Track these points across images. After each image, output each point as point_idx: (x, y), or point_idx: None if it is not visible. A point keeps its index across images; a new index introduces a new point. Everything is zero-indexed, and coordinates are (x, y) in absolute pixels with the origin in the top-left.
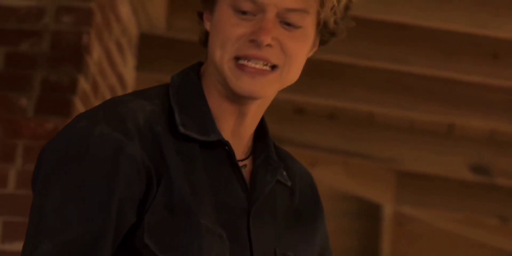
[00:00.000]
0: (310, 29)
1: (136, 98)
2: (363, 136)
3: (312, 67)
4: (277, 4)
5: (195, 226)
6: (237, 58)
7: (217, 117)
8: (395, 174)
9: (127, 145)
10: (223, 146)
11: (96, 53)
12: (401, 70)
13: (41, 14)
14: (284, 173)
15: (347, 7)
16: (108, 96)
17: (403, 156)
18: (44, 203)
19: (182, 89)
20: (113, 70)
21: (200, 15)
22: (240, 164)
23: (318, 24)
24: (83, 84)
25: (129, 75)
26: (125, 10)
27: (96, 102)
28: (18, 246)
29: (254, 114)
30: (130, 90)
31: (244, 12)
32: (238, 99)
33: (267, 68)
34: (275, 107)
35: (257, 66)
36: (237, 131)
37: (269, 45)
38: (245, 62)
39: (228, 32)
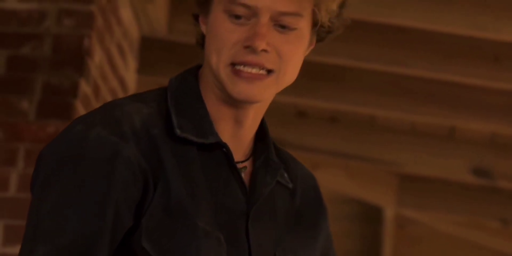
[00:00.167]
0: (305, 29)
1: (133, 101)
2: (364, 139)
3: (313, 70)
4: (270, 8)
5: (193, 229)
6: (233, 64)
7: (216, 120)
8: (396, 177)
9: (123, 148)
10: (221, 148)
11: (97, 56)
12: (402, 73)
13: (42, 17)
14: (285, 175)
15: (342, 5)
16: (109, 99)
17: (404, 159)
18: (41, 206)
19: (179, 92)
20: (114, 73)
21: (196, 18)
22: (240, 166)
23: (313, 23)
24: (84, 88)
25: (130, 78)
26: (126, 13)
27: (97, 106)
28: (19, 249)
29: (254, 117)
30: (131, 93)
31: (238, 17)
32: (236, 103)
33: (263, 72)
34: (277, 110)
35: (253, 71)
36: (237, 134)
37: (264, 50)
38: (241, 68)
39: (223, 39)
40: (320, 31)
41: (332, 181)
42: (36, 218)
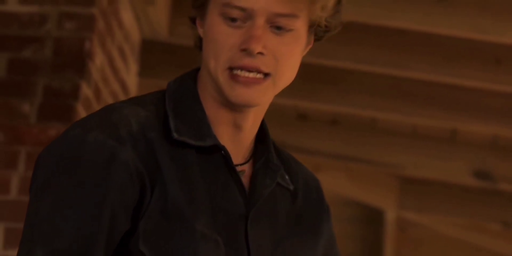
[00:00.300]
0: (302, 30)
1: (131, 104)
2: (366, 141)
3: (314, 73)
4: (266, 10)
5: (190, 232)
6: (231, 68)
7: (214, 123)
8: (397, 180)
9: (120, 151)
10: (220, 151)
11: (98, 59)
12: (403, 76)
13: (43, 20)
14: (287, 177)
15: (337, 3)
16: (110, 102)
17: (405, 161)
18: (38, 209)
19: (178, 94)
20: (116, 76)
21: (193, 21)
22: (239, 168)
23: (310, 23)
24: (86, 90)
25: (131, 81)
26: (127, 16)
27: (98, 108)
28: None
29: (253, 120)
30: (132, 96)
31: (233, 19)
32: (234, 107)
33: (260, 76)
34: (278, 112)
35: (250, 75)
36: (236, 137)
37: (260, 53)
38: (239, 72)
39: (219, 42)
40: (317, 31)
41: (333, 184)
42: (34, 220)
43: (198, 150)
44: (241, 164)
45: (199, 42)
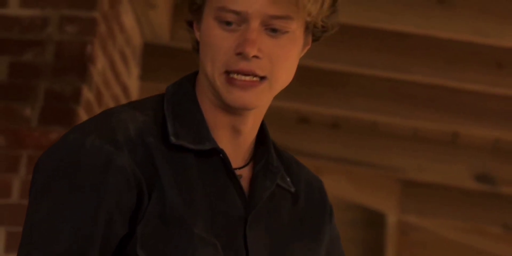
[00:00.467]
0: (298, 31)
1: (129, 109)
2: (367, 145)
3: (314, 77)
4: (260, 12)
5: (188, 236)
6: (227, 72)
7: (213, 126)
8: (399, 183)
9: (117, 156)
10: (218, 154)
11: (100, 63)
12: (404, 79)
13: (44, 24)
14: (288, 179)
15: (333, 3)
16: (111, 106)
17: (406, 164)
18: (35, 215)
19: (176, 98)
20: (117, 79)
21: (190, 24)
22: (239, 172)
23: (306, 24)
24: (87, 94)
25: (133, 84)
26: (128, 20)
27: (99, 112)
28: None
29: (252, 123)
30: (134, 99)
31: (228, 23)
32: (233, 110)
33: (256, 79)
34: (279, 116)
35: (247, 78)
36: (235, 141)
37: (255, 57)
38: (235, 76)
39: (215, 47)
40: (314, 31)
41: (334, 187)
42: (30, 226)
43: (197, 153)
44: (241, 167)
45: (196, 46)
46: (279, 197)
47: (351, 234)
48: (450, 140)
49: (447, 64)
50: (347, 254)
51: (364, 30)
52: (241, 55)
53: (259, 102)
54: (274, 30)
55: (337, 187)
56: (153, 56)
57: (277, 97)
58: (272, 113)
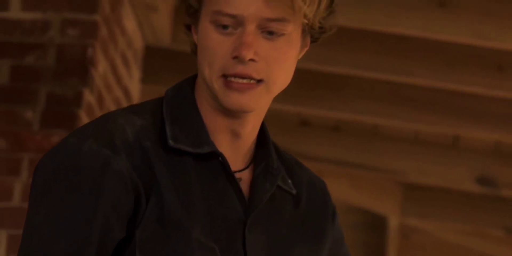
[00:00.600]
0: (295, 33)
1: (128, 113)
2: (368, 148)
3: (315, 79)
4: (256, 15)
5: (186, 240)
6: (225, 76)
7: (212, 129)
8: (400, 186)
9: (114, 160)
10: (217, 158)
11: (101, 66)
12: (405, 82)
13: (46, 27)
14: (289, 181)
15: (331, 3)
16: (113, 109)
17: (408, 168)
18: (33, 217)
19: (175, 102)
20: (119, 82)
21: (188, 27)
22: (239, 175)
23: (303, 26)
24: (88, 97)
25: (134, 87)
26: (130, 23)
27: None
28: None
29: (251, 125)
30: (135, 102)
31: (225, 26)
32: (231, 113)
33: (253, 82)
34: (280, 119)
35: (244, 81)
36: (235, 143)
37: (252, 60)
38: (232, 79)
39: (212, 50)
40: (312, 33)
41: (335, 190)
42: (29, 229)
43: (196, 157)
44: (241, 170)
45: (195, 49)
46: (280, 199)
47: (352, 237)
48: (451, 143)
49: (447, 67)
50: None
51: (364, 33)
52: (237, 58)
53: (256, 104)
54: (270, 33)
55: (338, 190)
56: (154, 59)
57: (278, 100)
58: (273, 116)
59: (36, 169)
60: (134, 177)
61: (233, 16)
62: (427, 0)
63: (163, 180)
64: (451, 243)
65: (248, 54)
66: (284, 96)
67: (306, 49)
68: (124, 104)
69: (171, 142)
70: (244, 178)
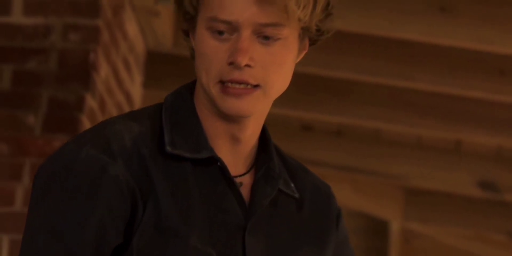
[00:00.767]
0: (291, 37)
1: (126, 119)
2: (370, 152)
3: (318, 84)
4: (251, 21)
5: (183, 247)
6: (222, 82)
7: (211, 134)
8: (402, 191)
9: (111, 166)
10: (216, 163)
11: (103, 71)
12: (408, 87)
13: (48, 32)
14: (292, 184)
15: (327, 6)
16: (115, 114)
17: (410, 172)
18: (31, 222)
19: (174, 107)
20: (120, 87)
21: (186, 33)
22: (239, 179)
23: (300, 29)
24: (90, 102)
25: (136, 92)
26: (132, 28)
27: (103, 120)
28: None
29: (251, 130)
30: (137, 107)
31: (220, 32)
32: (230, 118)
33: (250, 87)
34: (282, 124)
35: (241, 86)
36: (235, 148)
37: (248, 66)
38: (229, 85)
39: (208, 57)
40: (310, 36)
41: (337, 195)
42: (27, 234)
43: (195, 162)
44: (242, 174)
45: (194, 54)
46: (282, 203)
47: (354, 242)
48: (453, 148)
49: (449, 72)
50: None
51: (367, 37)
52: (233, 64)
53: (253, 109)
54: (266, 38)
55: (340, 195)
56: (156, 63)
57: (280, 105)
58: (275, 121)
59: (36, 174)
60: (131, 183)
61: (228, 22)
62: (429, 5)
63: (160, 186)
64: (453, 248)
65: (243, 60)
66: (286, 101)
67: (304, 52)
68: (126, 108)
69: (168, 149)
70: (245, 182)
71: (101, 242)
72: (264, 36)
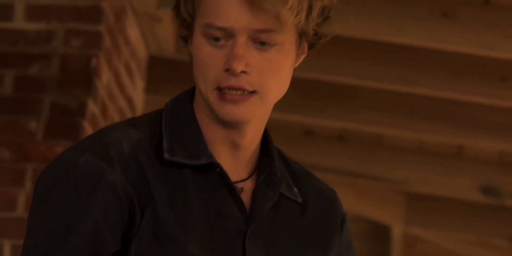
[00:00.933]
0: (288, 42)
1: (126, 126)
2: (372, 157)
3: (320, 89)
4: (246, 27)
5: (181, 254)
6: (219, 88)
7: (211, 141)
8: (404, 196)
9: (109, 173)
10: (216, 168)
11: (105, 76)
12: (410, 92)
13: (50, 37)
14: (295, 189)
15: (323, 10)
16: (117, 119)
17: (412, 177)
18: (31, 228)
19: (174, 114)
20: (122, 93)
21: (185, 39)
22: (241, 184)
23: (296, 34)
24: (92, 107)
25: (138, 97)
26: (134, 33)
27: (105, 125)
28: None
29: (251, 135)
30: (139, 112)
31: (217, 39)
32: (229, 124)
33: (246, 93)
34: (284, 129)
35: (238, 93)
36: (235, 154)
37: (244, 72)
38: (226, 91)
39: (205, 63)
40: (308, 40)
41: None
42: (27, 239)
43: (194, 168)
44: (243, 180)
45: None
46: (285, 208)
47: (356, 247)
48: (455, 153)
49: (452, 77)
50: None
51: (369, 43)
52: (229, 71)
53: (251, 115)
54: (262, 43)
55: (342, 200)
56: (158, 69)
57: (283, 110)
58: (278, 126)
59: (37, 179)
60: (129, 190)
61: (223, 29)
62: (431, 10)
63: (158, 193)
64: (455, 253)
65: (238, 67)
66: (288, 106)
67: (303, 56)
68: (128, 114)
69: (167, 156)
70: (247, 187)
71: (96, 246)
72: (260, 42)
